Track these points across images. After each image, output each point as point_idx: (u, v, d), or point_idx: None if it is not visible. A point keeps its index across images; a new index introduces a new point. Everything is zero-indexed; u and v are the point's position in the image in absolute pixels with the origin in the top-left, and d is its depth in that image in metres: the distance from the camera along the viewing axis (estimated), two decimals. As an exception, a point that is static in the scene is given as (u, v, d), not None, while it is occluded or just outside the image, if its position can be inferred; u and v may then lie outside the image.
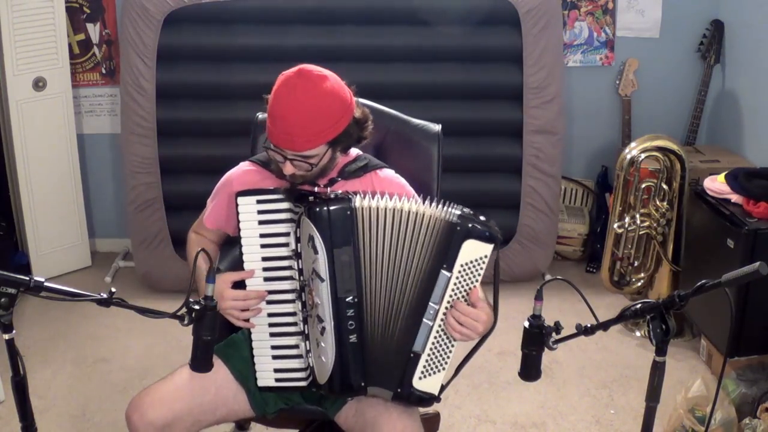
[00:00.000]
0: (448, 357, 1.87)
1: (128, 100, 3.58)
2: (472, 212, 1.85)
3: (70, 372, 3.17)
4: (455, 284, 1.81)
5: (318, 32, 3.60)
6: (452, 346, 1.87)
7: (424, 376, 1.86)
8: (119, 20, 3.75)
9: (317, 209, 1.81)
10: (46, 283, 1.56)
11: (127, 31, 3.52)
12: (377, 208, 1.83)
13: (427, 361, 1.85)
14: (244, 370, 2.00)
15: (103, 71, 3.93)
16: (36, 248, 3.83)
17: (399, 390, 1.87)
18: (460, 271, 1.80)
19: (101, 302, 1.61)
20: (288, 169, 1.89)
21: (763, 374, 2.80)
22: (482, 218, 1.83)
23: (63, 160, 3.82)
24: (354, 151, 2.07)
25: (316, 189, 1.95)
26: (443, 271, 1.80)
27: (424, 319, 1.83)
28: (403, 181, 2.07)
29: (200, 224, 2.18)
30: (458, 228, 1.79)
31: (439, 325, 1.84)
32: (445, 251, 1.80)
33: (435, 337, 1.84)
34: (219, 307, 1.82)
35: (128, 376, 3.14)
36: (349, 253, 1.83)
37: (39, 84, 3.65)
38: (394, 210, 1.83)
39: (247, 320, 1.95)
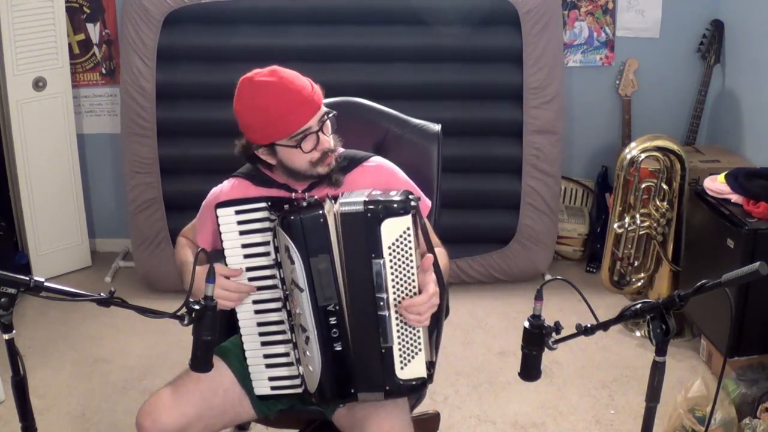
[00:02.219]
0: (419, 337, 1.85)
1: (128, 100, 3.58)
2: (379, 192, 1.84)
3: (70, 372, 3.17)
4: (392, 267, 1.79)
5: (318, 32, 3.59)
6: (423, 326, 1.86)
7: (405, 365, 1.85)
8: (119, 20, 3.75)
9: (291, 218, 1.80)
10: (46, 283, 1.56)
11: (127, 31, 3.52)
12: (338, 213, 1.81)
13: (400, 349, 1.84)
14: (245, 374, 2.00)
15: (103, 71, 3.93)
16: (36, 248, 3.83)
17: (388, 388, 1.86)
18: (390, 254, 1.79)
19: (101, 302, 1.61)
20: (325, 142, 1.90)
21: (763, 374, 2.80)
22: (392, 193, 1.82)
23: (63, 160, 3.82)
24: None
25: (293, 195, 1.95)
26: (374, 260, 1.79)
27: (379, 312, 1.82)
28: (391, 166, 2.05)
29: (191, 233, 2.17)
30: (368, 215, 1.78)
31: (396, 312, 1.82)
32: (368, 241, 1.78)
33: (397, 325, 1.83)
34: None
35: (128, 376, 3.14)
36: (327, 261, 1.81)
37: (39, 84, 3.65)
38: (339, 213, 1.82)
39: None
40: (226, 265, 1.93)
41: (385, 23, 3.63)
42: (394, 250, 1.79)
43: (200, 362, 1.74)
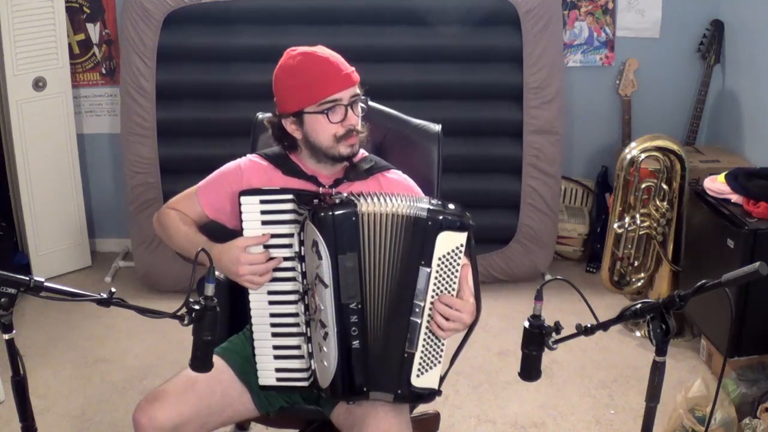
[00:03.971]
0: (442, 350, 1.87)
1: (128, 100, 3.58)
2: (440, 202, 1.85)
3: (70, 372, 3.17)
4: (436, 278, 1.81)
5: (318, 32, 3.59)
6: (444, 338, 1.87)
7: (422, 373, 1.86)
8: (119, 20, 3.75)
9: (322, 214, 1.80)
10: (46, 283, 1.56)
11: (127, 31, 3.52)
12: (379, 213, 1.82)
13: (421, 358, 1.85)
14: (246, 369, 2.00)
15: (103, 71, 3.93)
16: (36, 248, 3.83)
17: (399, 391, 1.87)
18: (438, 265, 1.80)
19: (101, 302, 1.61)
20: (353, 118, 1.92)
21: (763, 374, 2.80)
22: (452, 206, 1.83)
23: (63, 160, 3.82)
24: (360, 151, 2.06)
25: (320, 190, 1.95)
26: (422, 268, 1.80)
27: (412, 318, 1.83)
28: (411, 182, 2.07)
29: (182, 203, 2.09)
30: (429, 222, 1.79)
31: (427, 321, 1.84)
32: (421, 247, 1.80)
33: (425, 334, 1.84)
34: (233, 272, 1.85)
35: (128, 376, 3.14)
36: (354, 259, 1.81)
37: (39, 84, 3.65)
38: (391, 214, 1.82)
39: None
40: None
41: (385, 23, 3.63)
42: (443, 262, 1.80)
43: (200, 362, 1.74)
